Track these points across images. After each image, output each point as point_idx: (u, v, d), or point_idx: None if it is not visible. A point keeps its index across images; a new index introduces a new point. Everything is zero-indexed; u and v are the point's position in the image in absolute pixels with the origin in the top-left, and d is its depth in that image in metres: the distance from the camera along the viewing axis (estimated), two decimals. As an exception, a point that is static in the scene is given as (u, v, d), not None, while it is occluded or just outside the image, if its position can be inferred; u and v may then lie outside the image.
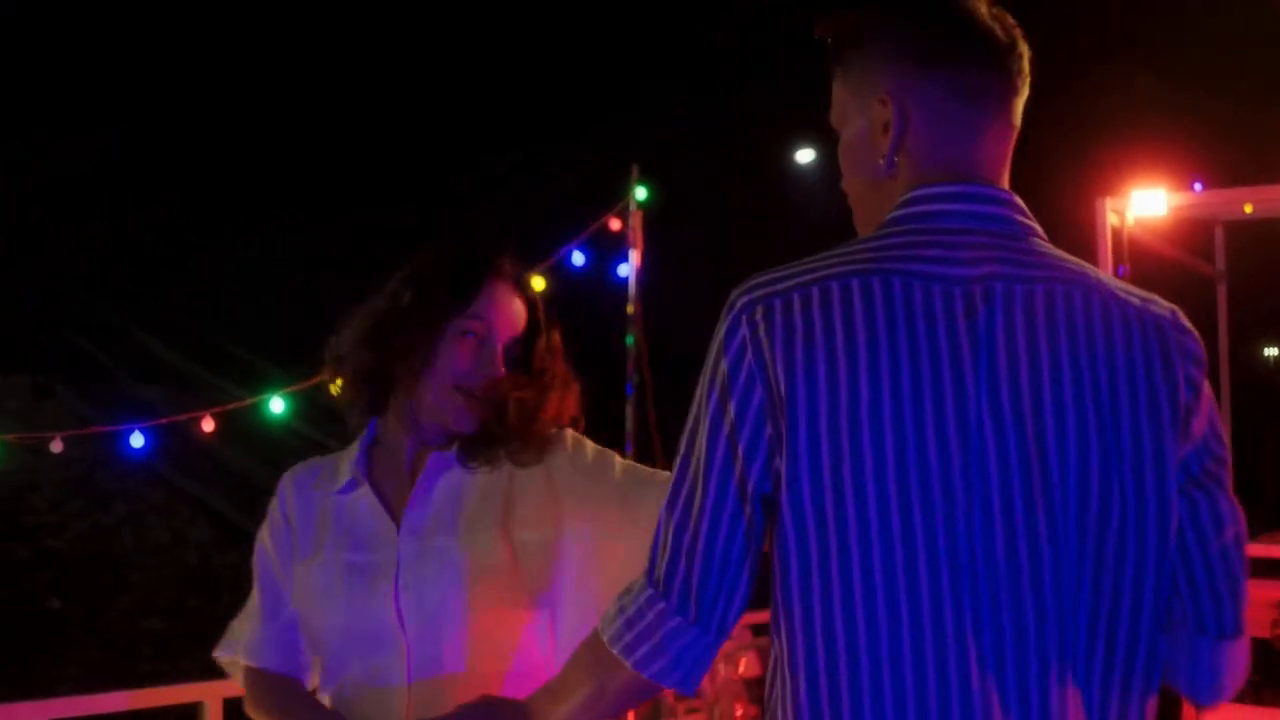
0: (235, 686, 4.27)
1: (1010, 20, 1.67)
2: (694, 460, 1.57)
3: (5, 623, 13.55)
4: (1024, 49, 1.67)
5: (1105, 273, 1.63)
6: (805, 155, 18.76)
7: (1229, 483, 1.62)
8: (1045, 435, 1.49)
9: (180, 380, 17.19)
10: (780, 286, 1.55)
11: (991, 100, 1.63)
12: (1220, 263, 6.88)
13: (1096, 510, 1.50)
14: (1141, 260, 6.00)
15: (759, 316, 1.54)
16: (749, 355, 1.53)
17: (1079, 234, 5.99)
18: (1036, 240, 1.61)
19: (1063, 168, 9.12)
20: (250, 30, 20.69)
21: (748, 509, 1.54)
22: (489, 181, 20.28)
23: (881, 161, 1.64)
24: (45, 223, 20.45)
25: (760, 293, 1.56)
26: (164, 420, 5.65)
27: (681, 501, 1.58)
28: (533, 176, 19.46)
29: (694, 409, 1.59)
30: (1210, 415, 1.61)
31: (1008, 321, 1.52)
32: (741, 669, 4.97)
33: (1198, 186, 5.90)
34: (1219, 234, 6.83)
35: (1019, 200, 1.63)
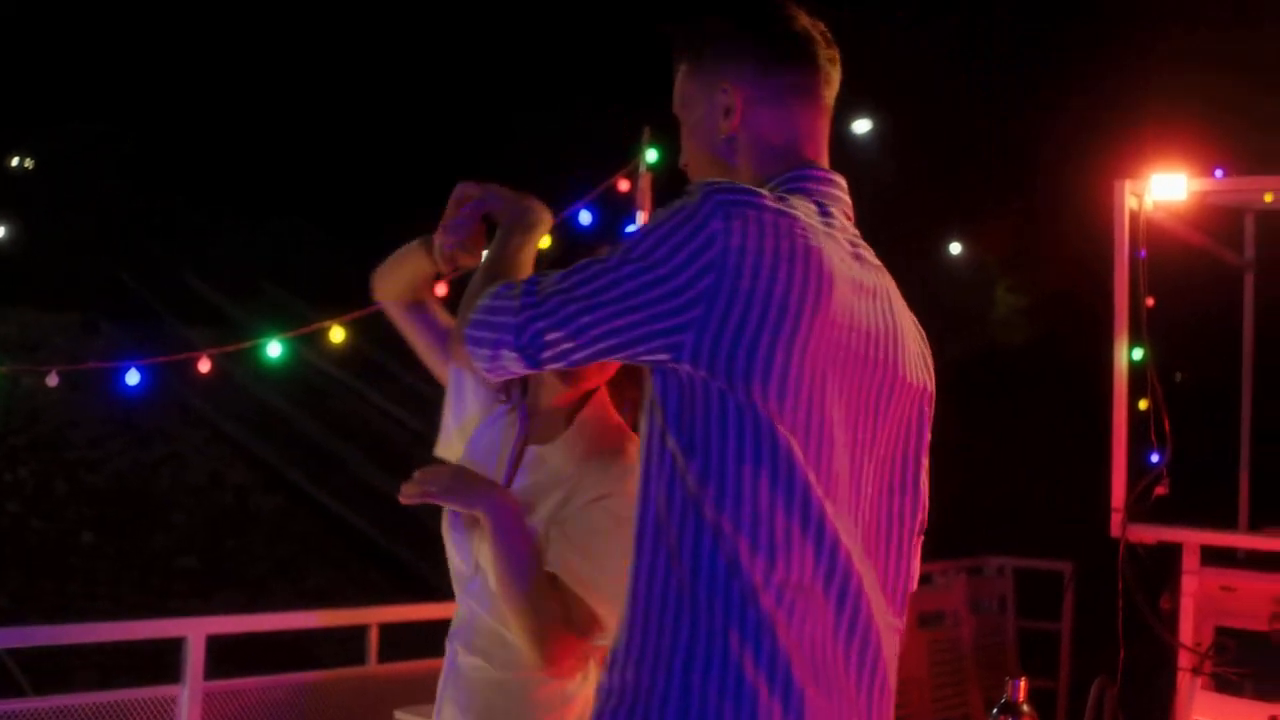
0: (220, 623, 4.36)
1: (823, 26, 1.98)
2: (614, 286, 1.75)
3: (41, 555, 13.77)
4: (835, 51, 1.99)
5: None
6: (861, 125, 18.66)
7: None
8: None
9: (225, 321, 17.35)
10: (756, 200, 1.76)
11: (815, 96, 1.96)
12: (1249, 251, 6.80)
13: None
14: (1162, 246, 5.94)
15: (734, 218, 1.72)
16: (715, 246, 1.71)
17: (1097, 216, 5.94)
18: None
19: (1083, 150, 9.02)
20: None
21: (633, 345, 1.76)
22: (500, 138, 20.31)
23: (722, 139, 1.94)
24: (95, 165, 20.66)
25: (739, 198, 1.75)
26: (160, 360, 5.69)
27: (601, 299, 1.76)
28: (544, 135, 19.47)
29: (632, 246, 1.77)
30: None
31: (881, 309, 1.87)
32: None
33: (1219, 173, 5.82)
34: (1249, 222, 6.74)
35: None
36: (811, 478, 1.70)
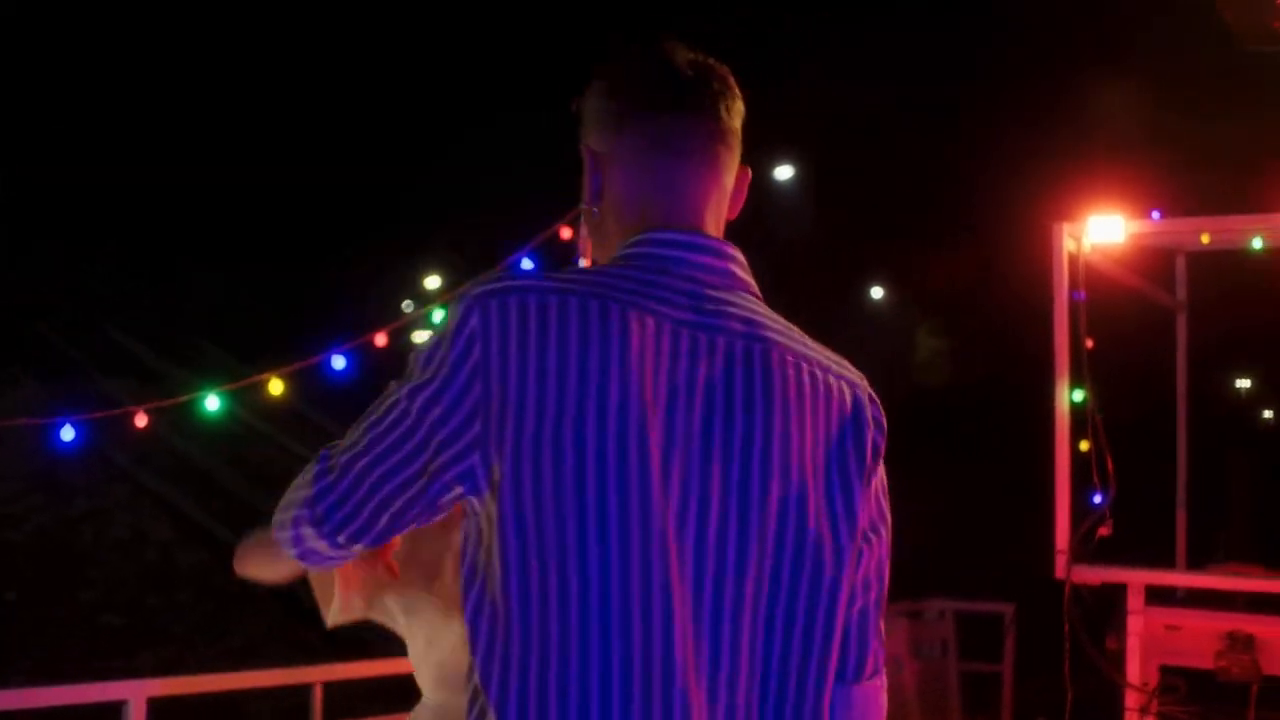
0: (161, 685, 4.25)
1: (712, 63, 1.81)
2: (397, 423, 1.62)
3: (-41, 614, 13.45)
4: (725, 88, 1.80)
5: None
6: (783, 171, 18.80)
7: (888, 541, 1.78)
8: (749, 487, 1.63)
9: (146, 375, 17.13)
10: (518, 284, 1.61)
11: (695, 147, 1.77)
12: (1181, 293, 6.87)
13: (788, 569, 1.65)
14: (1100, 288, 6.00)
15: (493, 311, 1.59)
16: (476, 349, 1.58)
17: (1036, 259, 5.99)
18: (751, 298, 1.73)
19: (1021, 192, 9.12)
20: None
21: (427, 486, 1.61)
22: (443, 173, 20.29)
23: (591, 204, 1.81)
24: (15, 217, 20.36)
25: (497, 287, 1.61)
26: (96, 415, 5.59)
27: (376, 453, 1.64)
28: (487, 172, 19.46)
29: (412, 369, 1.65)
30: (882, 477, 1.78)
31: (727, 374, 1.64)
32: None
33: (1155, 215, 5.90)
34: (1180, 263, 6.82)
35: (736, 252, 1.76)
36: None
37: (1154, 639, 5.64)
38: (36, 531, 15.20)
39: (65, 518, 15.55)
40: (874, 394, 1.79)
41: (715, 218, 1.78)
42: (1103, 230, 5.77)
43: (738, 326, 1.67)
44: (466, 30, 21.51)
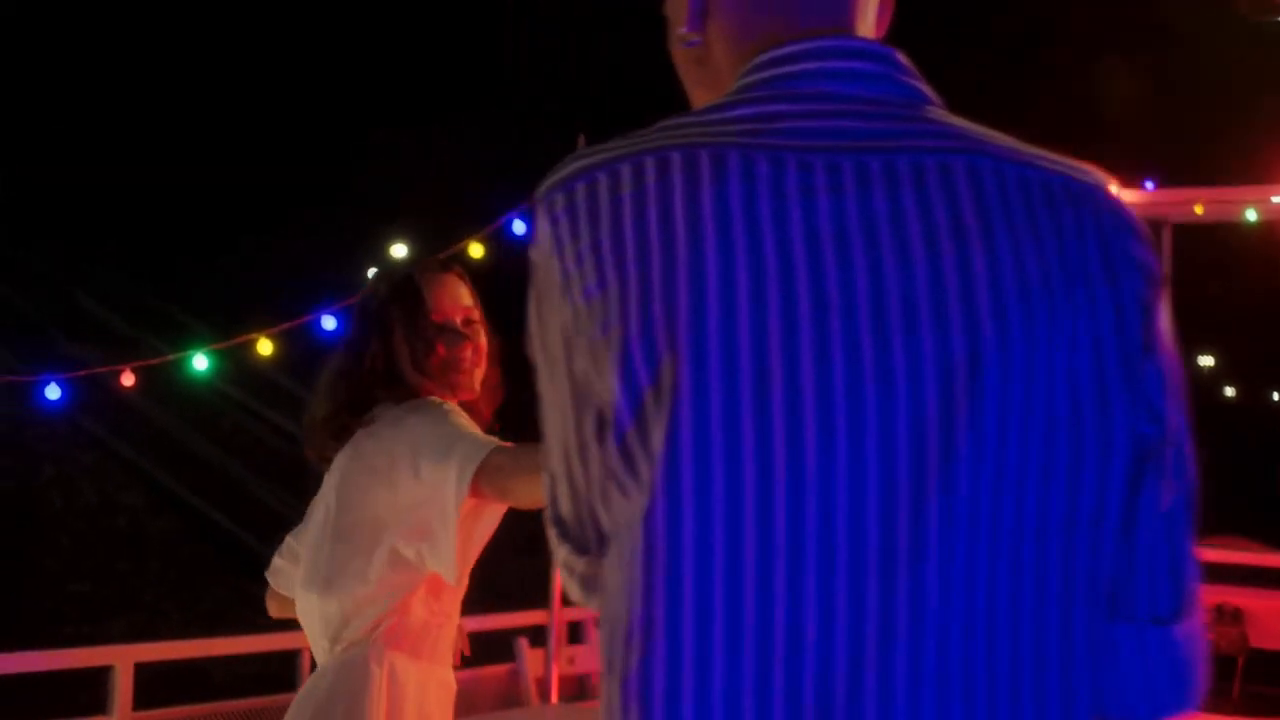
0: (147, 651, 4.18)
1: None
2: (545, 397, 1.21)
3: (-75, 581, 13.33)
4: None
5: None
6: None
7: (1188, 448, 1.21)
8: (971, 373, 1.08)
9: (112, 339, 16.99)
10: (588, 161, 1.16)
11: None
12: (1165, 266, 6.86)
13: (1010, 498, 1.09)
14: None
15: (570, 201, 1.14)
16: (555, 262, 1.14)
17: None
18: (928, 107, 1.19)
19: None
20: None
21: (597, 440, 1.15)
22: (430, 145, 20.17)
23: (683, 29, 1.26)
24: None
25: (570, 169, 1.17)
26: (82, 373, 5.50)
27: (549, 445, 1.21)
28: (478, 141, 19.35)
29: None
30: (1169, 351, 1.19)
31: (893, 203, 1.10)
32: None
33: (1149, 184, 5.88)
34: (1166, 235, 6.81)
35: (901, 56, 1.21)
36: None
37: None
38: (1, 497, 15.09)
39: (31, 485, 15.43)
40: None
41: (868, 22, 1.26)
42: (1095, 200, 5.75)
43: (924, 143, 1.14)
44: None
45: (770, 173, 1.10)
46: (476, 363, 2.96)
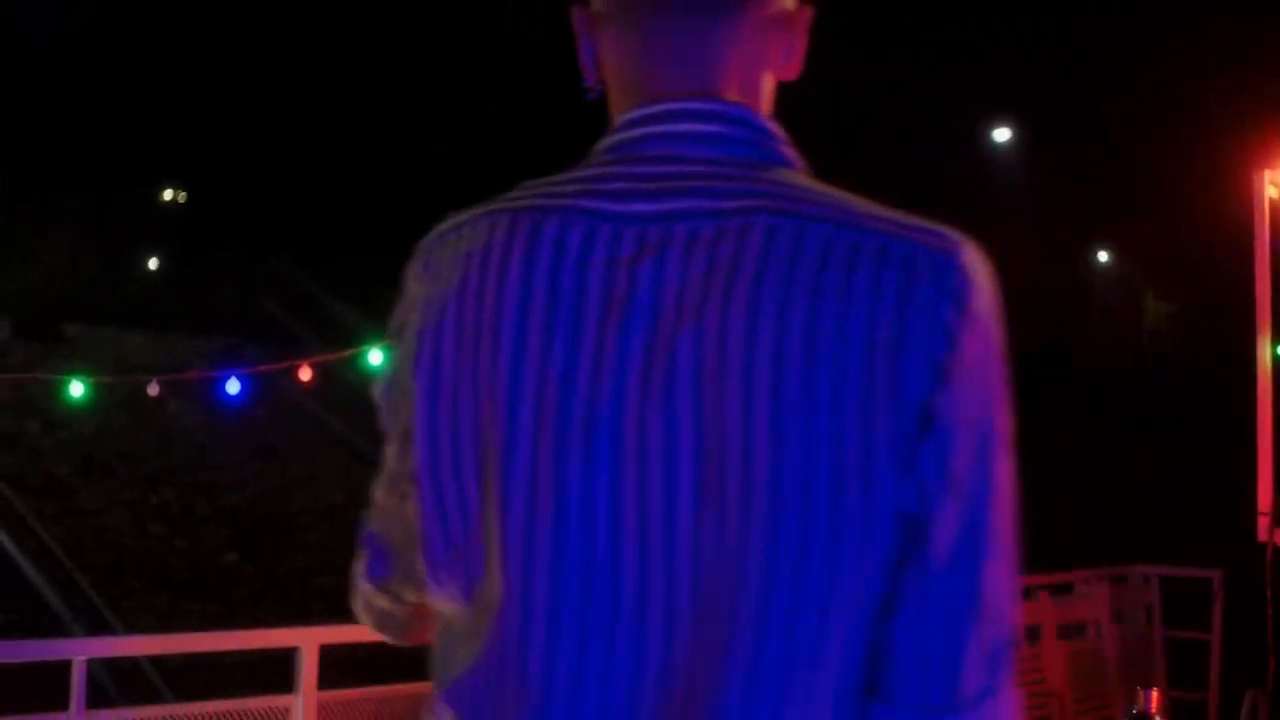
0: (332, 633, 4.34)
1: None
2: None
3: (185, 575, 14.02)
4: None
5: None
6: (1001, 134, 18.40)
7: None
8: (725, 439, 1.07)
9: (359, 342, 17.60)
10: (452, 221, 1.22)
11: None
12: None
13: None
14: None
15: (421, 265, 1.23)
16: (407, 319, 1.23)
17: (1236, 207, 5.74)
18: (778, 169, 1.17)
19: (1220, 137, 8.73)
20: None
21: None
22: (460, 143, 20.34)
23: (589, 80, 1.27)
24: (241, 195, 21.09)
25: (442, 227, 1.23)
26: (261, 369, 5.73)
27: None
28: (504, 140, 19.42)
29: None
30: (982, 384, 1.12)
31: (683, 269, 1.10)
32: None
33: None
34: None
35: (761, 118, 1.21)
36: None
37: (1365, 605, 5.36)
38: (254, 497, 15.77)
39: (281, 484, 16.08)
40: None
41: (743, 82, 1.22)
42: (1309, 175, 5.49)
43: (744, 203, 1.12)
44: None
45: (580, 242, 1.14)
46: None
